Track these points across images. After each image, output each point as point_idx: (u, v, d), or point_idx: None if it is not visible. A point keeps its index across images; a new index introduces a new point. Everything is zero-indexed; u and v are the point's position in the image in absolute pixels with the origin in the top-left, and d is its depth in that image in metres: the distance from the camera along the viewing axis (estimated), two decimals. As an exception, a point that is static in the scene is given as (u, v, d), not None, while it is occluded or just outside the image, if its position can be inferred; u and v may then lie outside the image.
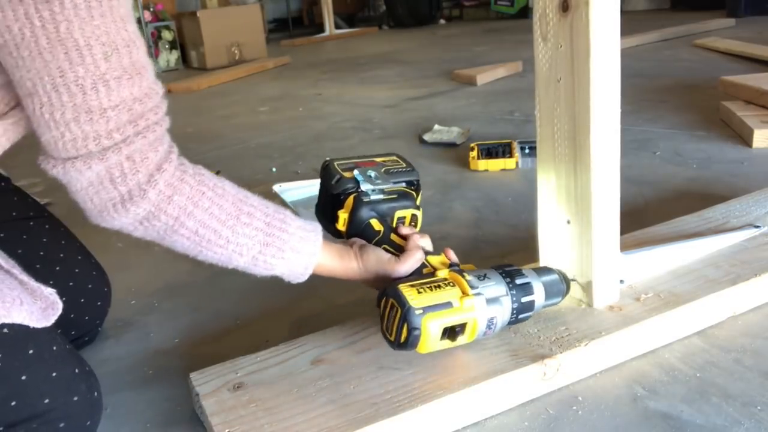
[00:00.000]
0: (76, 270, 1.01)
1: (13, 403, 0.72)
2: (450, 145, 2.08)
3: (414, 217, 0.93)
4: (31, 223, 1.01)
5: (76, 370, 0.79)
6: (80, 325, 1.02)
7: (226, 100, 3.51)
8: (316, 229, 0.84)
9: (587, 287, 0.91)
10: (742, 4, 4.51)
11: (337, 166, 0.92)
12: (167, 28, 5.21)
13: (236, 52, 5.03)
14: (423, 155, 2.02)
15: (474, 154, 1.82)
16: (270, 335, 1.04)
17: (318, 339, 0.90)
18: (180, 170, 0.74)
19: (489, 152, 1.83)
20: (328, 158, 0.95)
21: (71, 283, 0.99)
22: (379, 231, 0.89)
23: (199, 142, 2.52)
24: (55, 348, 0.77)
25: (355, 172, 0.91)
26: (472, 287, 0.79)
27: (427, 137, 2.16)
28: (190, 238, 0.75)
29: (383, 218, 0.90)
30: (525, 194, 1.58)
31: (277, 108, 3.11)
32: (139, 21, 4.98)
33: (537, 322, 0.88)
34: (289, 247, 0.80)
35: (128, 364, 1.02)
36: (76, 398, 0.77)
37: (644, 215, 1.35)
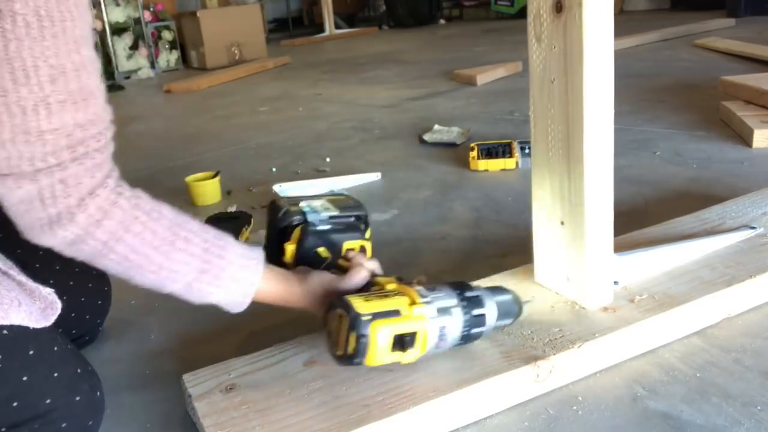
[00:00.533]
0: (76, 269, 1.01)
1: (15, 404, 0.72)
2: (450, 145, 2.07)
3: (363, 249, 0.92)
4: None
5: (78, 370, 0.79)
6: (81, 324, 1.02)
7: (226, 100, 3.51)
8: (257, 257, 0.81)
9: (581, 288, 0.90)
10: (742, 4, 4.50)
11: (283, 202, 0.91)
12: (167, 28, 5.21)
13: (236, 52, 5.03)
14: (423, 155, 2.02)
15: (474, 154, 1.82)
16: (270, 335, 1.04)
17: (311, 341, 0.90)
18: (114, 193, 0.71)
19: (489, 152, 1.83)
20: (273, 197, 0.94)
21: (71, 282, 0.99)
22: (327, 258, 0.88)
23: (199, 143, 2.52)
24: (56, 348, 0.78)
25: (302, 204, 0.90)
26: (421, 296, 0.77)
27: (427, 137, 2.16)
28: (121, 263, 0.72)
29: (331, 247, 0.89)
30: (525, 194, 1.57)
31: (277, 108, 3.11)
32: (138, 21, 4.99)
33: (530, 324, 0.88)
34: (228, 275, 0.77)
35: (128, 364, 1.02)
36: (78, 398, 0.77)
37: (644, 215, 1.35)
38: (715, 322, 0.93)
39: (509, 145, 1.85)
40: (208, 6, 5.43)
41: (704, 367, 0.85)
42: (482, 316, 0.80)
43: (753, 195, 1.25)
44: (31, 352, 0.74)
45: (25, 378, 0.73)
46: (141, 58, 5.03)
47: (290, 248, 0.88)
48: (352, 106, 2.97)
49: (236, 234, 1.39)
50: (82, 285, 1.01)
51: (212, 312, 1.16)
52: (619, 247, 0.97)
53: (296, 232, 0.88)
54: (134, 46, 4.99)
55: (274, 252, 0.88)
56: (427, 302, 0.77)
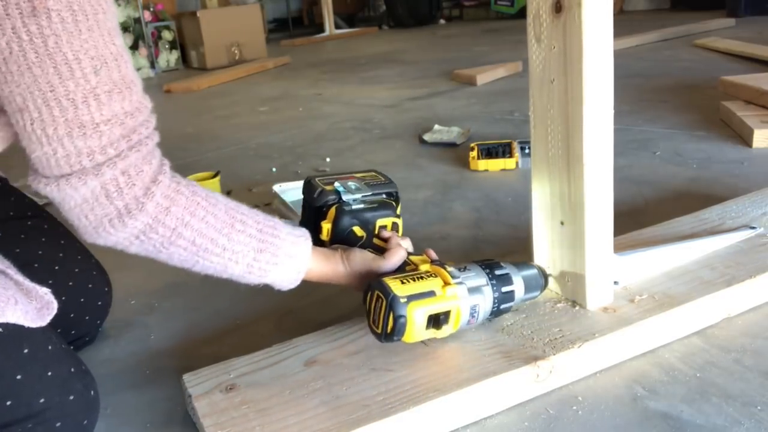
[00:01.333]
0: (76, 270, 1.01)
1: (9, 403, 0.72)
2: (450, 145, 2.07)
3: (395, 225, 0.97)
4: (29, 223, 1.01)
5: (72, 369, 0.79)
6: (80, 324, 1.02)
7: (226, 100, 3.51)
8: (305, 233, 0.85)
9: (581, 288, 0.90)
10: (742, 4, 4.50)
11: (318, 181, 0.96)
12: (167, 28, 5.21)
13: (236, 52, 5.03)
14: (423, 155, 2.02)
15: (474, 154, 1.82)
16: (269, 336, 1.04)
17: (311, 340, 0.90)
18: (174, 181, 0.74)
19: (489, 152, 1.83)
20: (308, 176, 0.99)
21: (71, 283, 0.99)
22: (362, 237, 0.93)
23: (199, 142, 2.52)
24: (50, 347, 0.78)
25: (336, 184, 0.95)
26: (453, 277, 0.82)
27: (427, 137, 2.16)
28: (188, 248, 0.75)
29: (365, 226, 0.93)
30: (525, 194, 1.57)
31: (277, 108, 3.11)
32: (138, 21, 4.99)
33: (530, 324, 0.88)
34: (283, 252, 0.81)
35: (128, 364, 1.02)
36: (72, 397, 0.77)
37: (644, 215, 1.35)
38: (715, 322, 0.93)
39: (509, 145, 1.85)
40: (208, 6, 5.43)
41: (704, 367, 0.85)
42: (511, 292, 0.86)
43: (753, 195, 1.25)
44: (26, 351, 0.74)
45: (19, 377, 0.72)
46: (141, 58, 5.03)
47: (326, 227, 0.92)
48: (352, 106, 2.97)
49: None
50: (81, 286, 1.01)
51: (212, 312, 1.17)
52: (619, 247, 0.97)
53: (331, 212, 0.92)
54: (134, 46, 5.00)
55: (310, 229, 0.92)
56: (458, 282, 0.82)
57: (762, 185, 1.32)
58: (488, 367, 0.80)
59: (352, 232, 0.92)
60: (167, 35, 5.22)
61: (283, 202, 1.63)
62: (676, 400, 0.79)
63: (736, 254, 1.02)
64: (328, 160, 2.07)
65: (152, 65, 5.09)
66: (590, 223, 0.86)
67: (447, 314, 0.80)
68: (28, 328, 0.75)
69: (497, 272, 0.86)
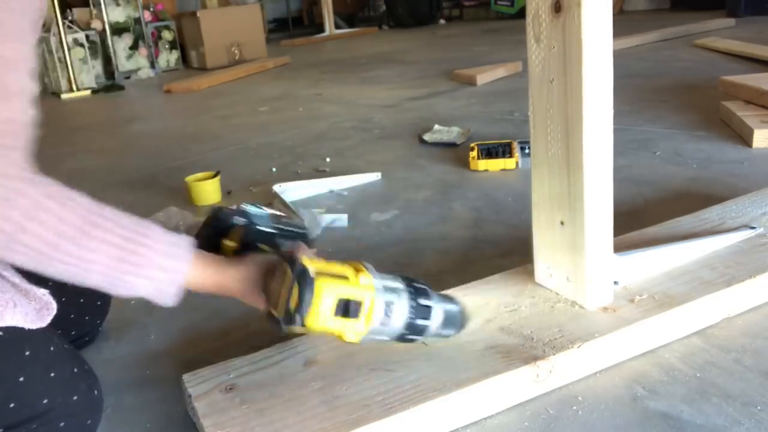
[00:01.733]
0: None
1: (12, 405, 0.72)
2: (450, 145, 2.07)
3: None
4: None
5: (75, 370, 0.79)
6: (80, 324, 1.02)
7: (226, 100, 3.51)
8: (185, 244, 0.75)
9: (581, 288, 0.90)
10: (742, 4, 4.49)
11: (225, 209, 0.87)
12: (167, 28, 5.21)
13: (236, 52, 5.03)
14: (423, 155, 2.02)
15: (474, 154, 1.82)
16: (269, 336, 1.04)
17: (311, 341, 0.90)
18: (22, 183, 0.66)
19: (489, 152, 1.83)
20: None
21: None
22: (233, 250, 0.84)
23: (199, 142, 2.52)
24: (52, 348, 0.78)
25: (247, 206, 0.86)
26: (368, 270, 0.75)
27: (427, 137, 2.16)
28: (28, 254, 0.67)
29: (273, 248, 0.85)
30: (525, 194, 1.57)
31: (277, 108, 3.11)
32: (138, 21, 4.99)
33: (530, 324, 0.88)
34: (152, 264, 0.72)
35: (128, 364, 1.02)
36: (75, 397, 0.77)
37: (644, 215, 1.35)
38: (715, 322, 0.93)
39: (509, 145, 1.85)
40: (208, 6, 5.43)
41: (704, 367, 0.85)
42: (429, 308, 0.78)
43: (753, 195, 1.25)
44: (27, 353, 0.74)
45: (21, 379, 0.73)
46: (141, 58, 5.03)
47: (231, 246, 0.83)
48: (352, 106, 2.97)
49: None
50: (81, 286, 1.01)
51: (212, 312, 1.17)
52: (619, 247, 0.97)
53: (238, 232, 0.83)
54: (134, 46, 5.00)
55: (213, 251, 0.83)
56: (373, 276, 0.75)
57: (762, 185, 1.32)
58: (488, 367, 0.80)
59: (259, 249, 0.83)
60: (167, 35, 5.22)
61: (283, 202, 1.63)
62: (676, 400, 0.79)
63: (736, 254, 1.02)
64: (328, 160, 2.07)
65: (152, 65, 5.08)
66: (590, 223, 0.86)
67: (359, 305, 0.72)
68: (29, 330, 0.75)
69: (415, 284, 0.78)
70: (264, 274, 0.78)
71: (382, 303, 0.74)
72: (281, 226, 0.87)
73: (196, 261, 0.75)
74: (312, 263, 0.72)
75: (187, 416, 0.84)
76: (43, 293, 0.78)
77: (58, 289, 0.81)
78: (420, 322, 0.77)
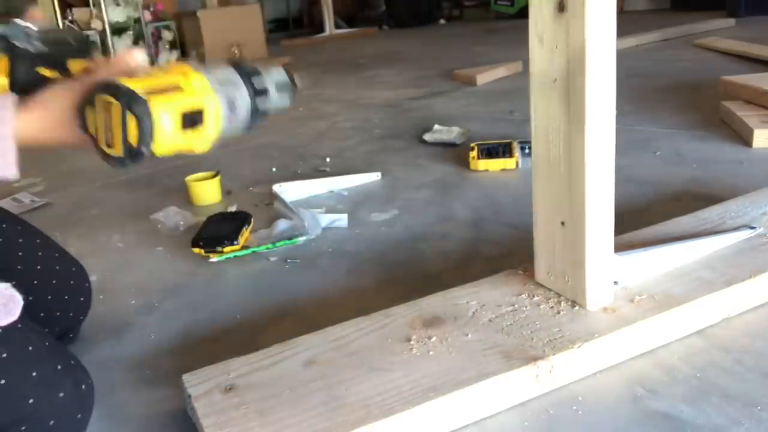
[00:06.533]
0: (57, 267, 1.01)
1: None
2: (450, 145, 2.07)
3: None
4: (4, 226, 1.00)
5: (59, 366, 0.79)
6: (64, 322, 1.02)
7: (226, 100, 3.51)
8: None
9: (581, 289, 0.90)
10: (742, 4, 4.49)
11: None
12: (167, 28, 5.21)
13: (236, 52, 5.03)
14: (423, 155, 2.02)
15: (474, 154, 1.82)
16: (269, 336, 1.04)
17: (311, 341, 0.90)
18: None
19: (489, 152, 1.83)
20: None
21: (54, 281, 0.99)
22: (56, 78, 0.74)
23: (199, 143, 2.51)
24: (30, 348, 0.77)
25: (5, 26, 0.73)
26: (197, 71, 0.69)
27: (427, 137, 2.16)
28: None
29: (56, 66, 0.74)
30: (525, 194, 1.57)
31: (277, 108, 3.10)
32: (138, 21, 4.98)
33: (530, 324, 0.88)
34: None
35: (128, 364, 1.02)
36: (61, 394, 0.77)
37: (644, 215, 1.35)
38: (715, 322, 0.93)
39: (509, 145, 1.85)
40: (208, 6, 5.42)
41: (704, 368, 0.85)
42: (265, 89, 0.73)
43: (753, 195, 1.24)
44: (4, 355, 0.73)
45: (2, 381, 0.72)
46: (141, 58, 5.02)
47: (1, 81, 0.71)
48: (352, 106, 2.97)
49: (236, 233, 1.39)
50: (64, 283, 1.01)
51: (212, 312, 1.17)
52: (619, 247, 0.97)
53: (2, 62, 0.72)
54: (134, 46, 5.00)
55: None
56: (206, 74, 0.68)
57: (762, 185, 1.32)
58: (488, 367, 0.80)
59: (40, 75, 0.72)
60: (167, 35, 5.22)
61: (283, 202, 1.63)
62: (677, 400, 0.79)
63: (736, 254, 1.02)
64: (328, 160, 2.07)
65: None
66: (591, 223, 0.86)
67: (202, 112, 0.66)
68: (2, 332, 0.74)
69: (243, 67, 0.72)
70: (73, 110, 0.67)
71: (225, 101, 0.69)
72: (50, 41, 0.74)
73: (22, 111, 0.67)
74: (136, 83, 0.62)
75: (187, 416, 0.84)
76: (5, 287, 0.77)
77: (44, 287, 0.80)
78: (262, 105, 0.73)
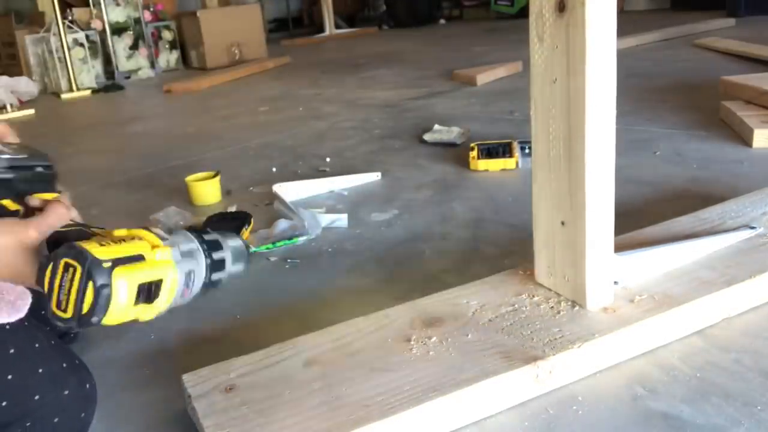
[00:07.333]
0: None
1: (4, 404, 0.72)
2: (450, 145, 2.07)
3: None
4: None
5: (64, 365, 0.79)
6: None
7: (226, 100, 3.51)
8: None
9: (581, 288, 0.90)
10: (742, 4, 4.49)
11: None
12: (167, 28, 5.21)
13: (236, 52, 5.03)
14: (423, 155, 2.02)
15: (474, 154, 1.82)
16: (269, 336, 1.04)
17: (311, 341, 0.90)
18: None
19: (489, 152, 1.83)
20: None
21: None
22: (18, 211, 0.72)
23: (200, 142, 2.52)
24: (37, 345, 0.78)
25: None
26: (162, 239, 0.68)
27: (427, 137, 2.16)
28: None
29: (19, 200, 0.72)
30: (525, 194, 1.57)
31: (277, 108, 3.11)
32: (138, 21, 4.98)
33: (530, 324, 0.88)
34: None
35: (128, 364, 1.02)
36: (66, 392, 0.77)
37: (644, 215, 1.34)
38: (715, 322, 0.93)
39: (509, 145, 1.85)
40: (208, 6, 5.43)
41: (704, 367, 0.85)
42: (222, 260, 0.73)
43: (753, 195, 1.24)
44: (12, 351, 0.74)
45: (9, 377, 0.73)
46: (141, 58, 5.03)
47: None
48: (352, 106, 2.97)
49: (236, 233, 1.39)
50: None
51: (212, 312, 1.17)
52: (619, 247, 0.97)
53: None
54: (134, 46, 4.99)
55: None
56: (170, 245, 0.68)
57: (762, 185, 1.32)
58: (488, 367, 0.80)
59: (2, 207, 0.71)
60: (167, 35, 5.22)
61: (283, 202, 1.63)
62: (676, 400, 0.79)
63: (736, 254, 1.02)
64: (328, 160, 2.07)
65: (152, 65, 5.08)
66: (591, 223, 0.86)
67: (159, 284, 0.65)
68: (11, 328, 0.74)
69: (206, 237, 0.72)
70: (25, 254, 0.66)
71: (183, 275, 0.68)
72: (18, 169, 0.71)
73: None
74: (102, 251, 0.62)
75: (187, 416, 0.84)
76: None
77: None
78: (215, 276, 0.73)
